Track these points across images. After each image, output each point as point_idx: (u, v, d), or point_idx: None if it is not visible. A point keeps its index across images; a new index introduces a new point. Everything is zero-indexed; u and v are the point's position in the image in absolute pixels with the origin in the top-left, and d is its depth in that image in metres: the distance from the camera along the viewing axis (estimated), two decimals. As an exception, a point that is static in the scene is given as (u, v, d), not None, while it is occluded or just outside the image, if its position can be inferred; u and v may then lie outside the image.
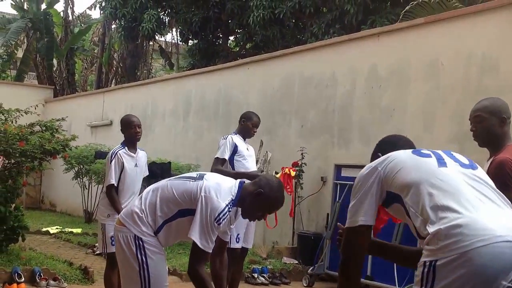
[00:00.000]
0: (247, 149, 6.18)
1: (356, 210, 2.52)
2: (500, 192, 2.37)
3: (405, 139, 2.90)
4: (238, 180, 3.74)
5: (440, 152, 2.53)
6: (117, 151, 5.64)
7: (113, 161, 5.57)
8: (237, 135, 6.20)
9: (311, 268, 7.95)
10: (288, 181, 5.96)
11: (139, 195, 5.52)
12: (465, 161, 2.49)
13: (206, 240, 3.48)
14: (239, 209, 3.75)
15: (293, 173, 6.00)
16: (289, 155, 9.21)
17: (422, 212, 2.30)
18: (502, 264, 2.05)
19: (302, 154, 8.91)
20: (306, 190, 9.03)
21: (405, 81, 7.98)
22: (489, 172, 3.07)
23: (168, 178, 3.86)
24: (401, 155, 2.54)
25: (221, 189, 3.58)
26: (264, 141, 9.09)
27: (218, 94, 11.40)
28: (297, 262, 8.51)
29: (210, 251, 3.57)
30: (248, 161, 6.15)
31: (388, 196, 2.50)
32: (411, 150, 2.59)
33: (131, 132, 5.69)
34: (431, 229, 2.22)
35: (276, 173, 6.08)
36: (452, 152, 2.55)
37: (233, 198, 3.60)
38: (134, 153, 5.73)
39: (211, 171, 6.04)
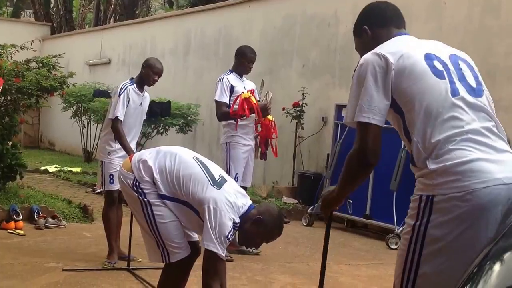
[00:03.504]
0: (244, 87, 6.04)
1: (370, 104, 2.27)
2: (500, 126, 2.32)
3: (392, 7, 2.67)
4: (249, 203, 3.66)
5: (451, 67, 2.35)
6: (128, 86, 5.43)
7: (122, 95, 5.36)
8: (233, 73, 6.06)
9: (310, 207, 7.96)
10: (246, 104, 5.78)
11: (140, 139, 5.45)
12: (473, 82, 2.36)
13: (221, 247, 3.44)
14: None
15: (247, 95, 5.86)
16: (290, 95, 9.10)
17: (424, 143, 2.23)
18: (497, 203, 2.11)
19: (303, 94, 8.79)
20: (307, 130, 8.96)
21: (407, 21, 7.57)
22: None
23: (196, 156, 3.76)
24: (416, 60, 2.31)
25: (233, 206, 3.53)
26: (265, 81, 8.95)
27: (218, 33, 11.18)
28: (297, 201, 8.52)
29: (224, 259, 3.54)
30: None
31: (391, 103, 2.32)
32: (423, 54, 2.34)
33: (149, 76, 5.48)
34: (431, 165, 2.20)
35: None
36: (461, 64, 2.38)
37: (239, 220, 3.55)
38: (142, 92, 5.60)
39: (217, 115, 5.96)
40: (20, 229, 6.32)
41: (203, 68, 11.49)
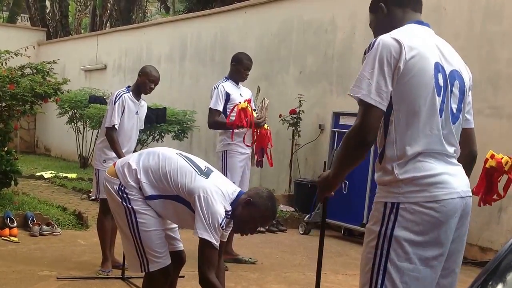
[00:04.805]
0: (241, 94, 6.00)
1: (380, 87, 2.30)
2: (459, 149, 2.48)
3: None
4: (238, 190, 3.64)
5: (448, 85, 2.43)
6: (123, 94, 5.42)
7: (117, 103, 5.35)
8: (229, 80, 6.01)
9: (307, 216, 7.91)
10: (243, 115, 5.72)
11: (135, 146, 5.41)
12: (455, 108, 2.45)
13: (214, 236, 3.39)
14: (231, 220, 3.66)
15: (244, 105, 5.81)
16: (287, 102, 9.06)
17: (402, 146, 2.33)
18: (455, 212, 2.34)
19: (300, 101, 8.75)
20: (304, 138, 8.92)
21: (407, 27, 7.75)
22: None
23: (179, 152, 3.74)
24: (427, 67, 2.35)
25: (223, 193, 3.50)
26: (261, 87, 8.93)
27: (215, 39, 11.15)
28: (293, 209, 8.47)
29: (218, 249, 3.48)
30: None
31: None
32: (434, 62, 2.38)
33: (145, 84, 5.45)
34: (398, 174, 2.32)
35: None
36: (455, 85, 2.46)
37: (230, 208, 3.52)
38: (138, 101, 5.56)
39: (208, 123, 5.92)
40: (15, 236, 6.26)
41: (199, 74, 11.45)
